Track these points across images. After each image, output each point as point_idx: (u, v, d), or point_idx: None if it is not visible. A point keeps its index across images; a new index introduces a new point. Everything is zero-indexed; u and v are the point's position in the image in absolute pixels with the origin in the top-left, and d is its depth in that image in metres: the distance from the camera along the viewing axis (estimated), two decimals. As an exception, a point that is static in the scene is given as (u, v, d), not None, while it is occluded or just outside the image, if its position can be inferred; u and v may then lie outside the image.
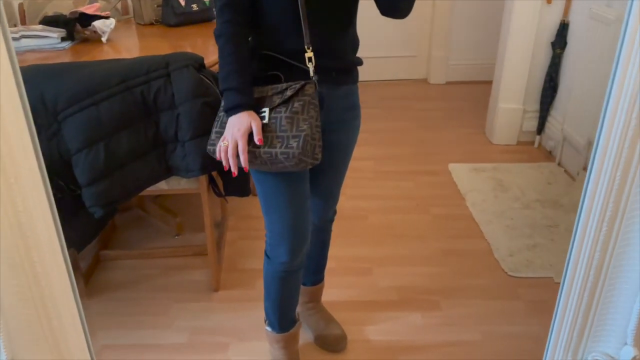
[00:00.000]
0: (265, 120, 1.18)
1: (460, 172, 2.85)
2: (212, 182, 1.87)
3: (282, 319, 1.56)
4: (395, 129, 3.40)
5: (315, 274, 1.76)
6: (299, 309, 1.71)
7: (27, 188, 0.70)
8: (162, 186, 1.82)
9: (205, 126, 1.60)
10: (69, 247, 1.70)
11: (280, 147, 1.15)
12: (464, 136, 3.30)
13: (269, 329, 1.61)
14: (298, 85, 1.18)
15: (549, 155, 3.02)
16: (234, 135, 1.16)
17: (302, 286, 1.74)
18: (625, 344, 0.72)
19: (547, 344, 0.85)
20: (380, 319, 1.88)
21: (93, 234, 1.76)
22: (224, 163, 1.18)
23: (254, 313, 1.91)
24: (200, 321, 1.89)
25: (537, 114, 3.12)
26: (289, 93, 1.18)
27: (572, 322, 0.76)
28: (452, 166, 2.91)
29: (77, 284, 0.82)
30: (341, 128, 1.39)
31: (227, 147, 1.16)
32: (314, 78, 1.20)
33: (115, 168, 1.62)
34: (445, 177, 2.81)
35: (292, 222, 1.35)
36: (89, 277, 2.08)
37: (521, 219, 2.44)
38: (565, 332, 0.78)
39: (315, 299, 1.80)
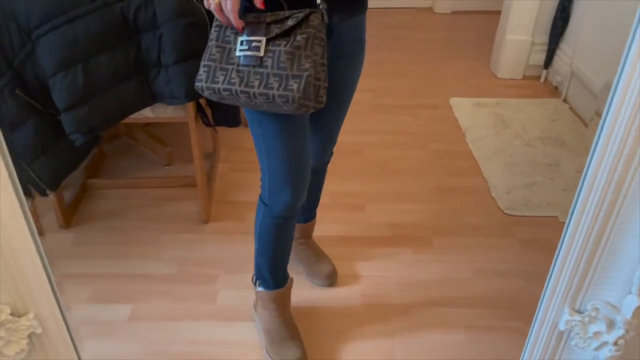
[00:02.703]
0: (260, 53, 1.02)
1: (462, 107, 2.74)
2: (200, 110, 1.78)
3: (276, 273, 1.47)
4: (396, 60, 3.25)
5: (308, 212, 1.71)
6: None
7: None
8: (147, 113, 1.73)
9: (190, 49, 1.50)
10: (51, 175, 1.63)
11: (279, 89, 1.00)
12: (467, 69, 3.16)
13: (261, 288, 1.50)
14: (302, 15, 1.00)
15: (554, 91, 2.91)
16: None
17: None
18: (630, 292, 0.67)
19: (544, 288, 0.80)
20: (371, 254, 1.85)
21: (76, 162, 1.69)
22: (223, 21, 1.03)
23: (243, 246, 1.88)
24: (189, 252, 1.86)
25: (546, 47, 2.97)
26: (290, 23, 1.00)
27: (574, 266, 0.71)
28: (453, 100, 2.81)
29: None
30: (346, 63, 1.26)
31: (217, 4, 1.00)
32: (321, 7, 1.02)
33: (95, 92, 1.53)
34: (445, 112, 2.71)
35: (296, 165, 1.25)
36: (76, 205, 2.04)
37: (521, 157, 2.37)
38: (565, 277, 0.73)
39: (307, 235, 1.76)
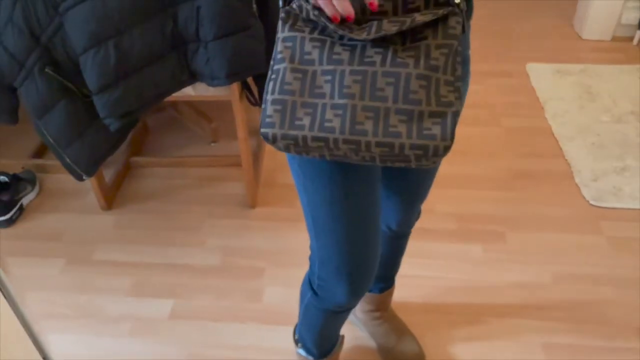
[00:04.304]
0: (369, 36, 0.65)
1: (541, 75, 2.42)
2: (246, 88, 1.59)
3: (322, 346, 1.19)
4: (464, 19, 2.92)
5: (384, 281, 1.33)
6: (362, 317, 1.39)
7: None
8: (189, 92, 1.57)
9: (232, 23, 1.30)
10: (87, 161, 1.51)
11: (409, 136, 0.65)
12: (547, 29, 2.79)
13: (302, 352, 1.23)
14: (440, 12, 0.65)
15: (650, 56, 2.52)
16: None
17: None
18: None
19: None
20: (434, 251, 1.65)
21: (113, 146, 1.56)
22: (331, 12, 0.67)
23: (293, 235, 1.72)
24: (235, 240, 1.73)
25: (643, 3, 2.56)
26: (421, 19, 0.65)
27: None
28: (530, 66, 2.48)
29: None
30: None
31: None
32: (461, 6, 0.66)
33: (129, 72, 1.37)
34: (521, 80, 2.40)
35: (357, 251, 0.90)
36: (118, 185, 1.93)
37: (610, 135, 2.06)
38: None
39: (383, 307, 1.37)
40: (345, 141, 0.66)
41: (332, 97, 0.66)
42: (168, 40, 1.35)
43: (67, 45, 1.37)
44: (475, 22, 2.87)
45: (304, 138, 0.68)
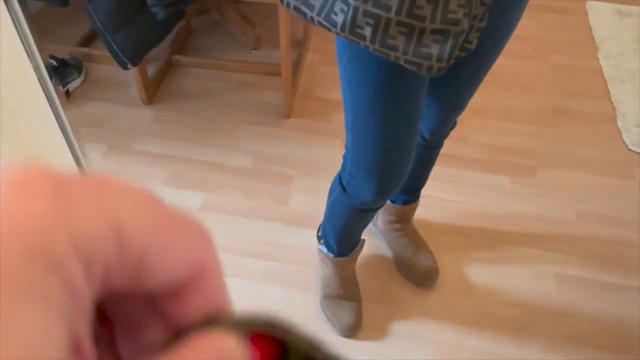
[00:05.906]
0: None
1: (600, 14, 2.30)
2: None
3: (342, 245, 1.24)
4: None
5: (409, 194, 1.35)
6: (382, 227, 1.43)
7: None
8: (235, -10, 1.56)
9: None
10: (132, 49, 1.54)
11: (406, 51, 0.66)
12: (615, -34, 2.62)
13: (323, 249, 1.29)
14: None
15: None
16: None
17: (389, 203, 1.36)
18: None
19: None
20: (462, 177, 1.67)
21: (158, 37, 1.58)
22: None
23: (324, 148, 1.75)
24: (268, 147, 1.77)
25: None
26: None
27: None
28: (590, 4, 2.35)
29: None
30: (508, 6, 0.83)
31: None
32: None
33: (179, -38, 1.37)
34: (578, 18, 2.29)
35: (390, 153, 0.91)
36: (159, 81, 1.98)
37: (663, 83, 1.98)
38: None
39: (405, 219, 1.40)
40: (346, 37, 0.70)
41: None
42: None
43: None
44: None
45: (311, 18, 0.72)
